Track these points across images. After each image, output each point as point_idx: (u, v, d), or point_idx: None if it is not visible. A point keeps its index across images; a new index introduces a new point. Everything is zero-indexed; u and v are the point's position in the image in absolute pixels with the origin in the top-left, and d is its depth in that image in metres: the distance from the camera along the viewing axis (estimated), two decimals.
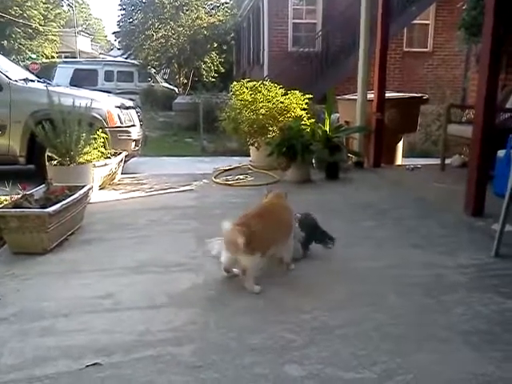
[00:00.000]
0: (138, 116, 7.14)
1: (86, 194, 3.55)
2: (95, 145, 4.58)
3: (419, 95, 6.47)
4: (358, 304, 2.37)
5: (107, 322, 2.21)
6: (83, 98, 5.33)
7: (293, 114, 5.65)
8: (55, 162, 4.34)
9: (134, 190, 4.76)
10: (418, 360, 1.91)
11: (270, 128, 5.57)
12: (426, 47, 13.60)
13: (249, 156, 6.10)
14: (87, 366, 1.87)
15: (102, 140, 4.72)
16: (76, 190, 3.44)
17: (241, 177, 5.26)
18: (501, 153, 4.28)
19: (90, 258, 3.02)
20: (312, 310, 2.29)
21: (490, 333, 2.11)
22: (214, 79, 20.62)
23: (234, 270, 2.64)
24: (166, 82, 20.37)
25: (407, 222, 3.72)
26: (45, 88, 5.56)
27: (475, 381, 1.78)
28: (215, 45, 20.71)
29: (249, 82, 5.90)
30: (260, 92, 5.74)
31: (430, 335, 2.10)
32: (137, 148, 6.77)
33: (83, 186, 3.55)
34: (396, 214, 3.93)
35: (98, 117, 5.90)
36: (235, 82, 6.01)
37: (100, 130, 4.77)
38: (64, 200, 3.18)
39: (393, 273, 2.75)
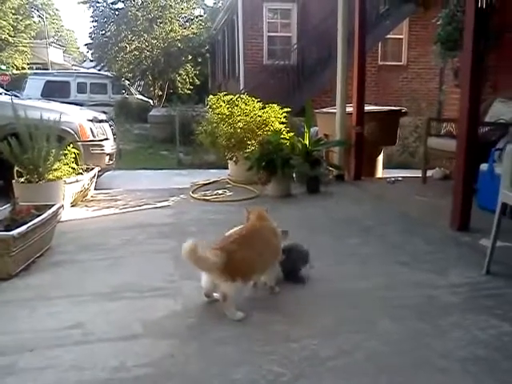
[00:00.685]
0: (112, 129, 6.92)
1: (56, 214, 3.32)
2: (66, 160, 4.35)
3: (398, 108, 6.44)
4: (349, 331, 2.22)
5: (76, 356, 2.00)
6: (52, 111, 5.11)
7: (271, 128, 5.53)
8: (22, 180, 4.09)
9: (107, 207, 4.54)
10: None
11: (249, 142, 5.44)
12: (401, 61, 13.73)
13: (227, 168, 5.95)
14: None
15: (73, 155, 4.49)
16: (44, 210, 3.22)
17: (219, 192, 5.10)
18: (484, 166, 4.23)
19: (58, 282, 2.80)
20: (300, 339, 2.13)
21: (489, 360, 1.98)
22: (189, 91, 20.47)
23: (215, 294, 2.47)
24: (141, 94, 20.12)
25: (392, 237, 3.61)
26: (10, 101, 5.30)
27: None
28: (190, 57, 20.59)
29: (226, 95, 5.77)
30: (237, 106, 5.61)
31: (427, 364, 1.96)
32: (111, 162, 6.53)
33: (52, 205, 3.33)
34: (380, 229, 3.81)
35: (69, 130, 5.66)
36: (212, 96, 5.87)
37: (71, 145, 4.53)
38: (31, 221, 2.96)
39: (382, 294, 2.61)
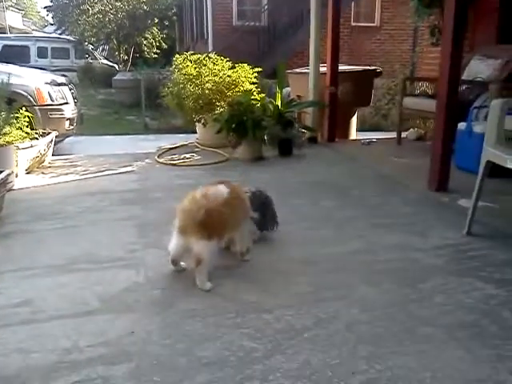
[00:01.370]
0: (72, 93, 6.53)
1: (5, 181, 3.03)
2: (18, 124, 3.99)
3: (373, 68, 6.22)
4: (326, 298, 2.04)
5: (23, 337, 1.77)
6: (7, 73, 4.71)
7: (241, 89, 5.24)
8: None
9: (65, 174, 4.22)
10: (402, 365, 1.61)
11: (218, 103, 5.15)
12: (374, 22, 13.44)
13: (195, 133, 5.66)
14: None
15: (27, 119, 4.13)
16: None
17: (187, 156, 4.83)
18: (462, 126, 4.09)
19: (8, 255, 2.53)
20: (274, 309, 1.95)
21: (477, 326, 1.84)
22: (156, 55, 19.74)
23: (182, 263, 2.26)
24: (106, 59, 19.30)
25: (369, 200, 3.45)
26: None
27: None
28: (156, 20, 19.77)
29: (193, 54, 5.42)
30: (205, 65, 5.29)
31: (411, 332, 1.80)
32: (71, 127, 6.18)
33: (0, 172, 3.02)
34: (356, 191, 3.65)
35: (23, 93, 5.29)
36: (178, 55, 5.51)
37: (24, 109, 4.17)
38: None
39: (361, 258, 2.45)
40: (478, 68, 4.91)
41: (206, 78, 5.18)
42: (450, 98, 3.42)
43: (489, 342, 1.74)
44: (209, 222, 2.06)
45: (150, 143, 6.54)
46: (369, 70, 6.14)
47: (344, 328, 1.82)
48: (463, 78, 4.97)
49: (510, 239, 2.66)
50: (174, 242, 2.21)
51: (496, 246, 2.56)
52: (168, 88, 5.41)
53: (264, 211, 2.59)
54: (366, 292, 2.10)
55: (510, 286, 2.12)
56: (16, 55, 15.28)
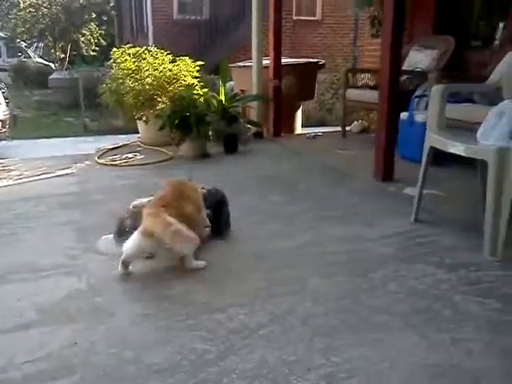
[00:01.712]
0: (3, 93, 6.18)
1: None
2: None
3: (315, 60, 6.25)
4: (280, 293, 1.99)
5: None
6: None
7: (183, 83, 5.10)
8: None
9: None
10: (359, 357, 1.58)
11: (159, 99, 4.97)
12: (315, 15, 13.58)
13: (138, 133, 5.47)
14: None
15: None
16: None
17: (129, 155, 4.65)
18: (403, 115, 4.16)
19: None
20: (226, 308, 1.87)
21: (430, 311, 1.85)
22: (94, 53, 19.09)
23: (131, 267, 2.16)
24: (41, 58, 18.46)
25: (317, 192, 3.44)
26: None
27: (429, 373, 1.49)
28: (94, 15, 19.09)
29: (131, 47, 5.22)
30: (145, 59, 5.11)
31: (366, 322, 1.78)
32: (4, 130, 5.86)
33: None
34: (303, 185, 3.63)
35: None
36: (115, 49, 5.30)
37: None
38: None
39: (311, 251, 2.42)
40: (417, 58, 5.03)
41: (146, 73, 5.00)
42: (392, 89, 3.47)
43: (443, 326, 1.74)
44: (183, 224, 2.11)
45: (90, 145, 6.25)
46: (311, 62, 6.16)
47: (299, 323, 1.78)
48: (403, 68, 5.09)
49: (456, 225, 2.71)
50: (133, 244, 2.12)
51: (443, 232, 2.60)
52: (106, 84, 5.18)
53: (219, 210, 2.55)
54: (318, 285, 2.07)
55: (460, 270, 2.15)
56: None
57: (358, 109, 5.51)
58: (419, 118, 3.93)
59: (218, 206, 2.55)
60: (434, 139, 2.56)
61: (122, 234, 2.35)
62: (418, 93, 4.22)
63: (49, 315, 1.86)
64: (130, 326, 1.78)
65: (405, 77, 4.77)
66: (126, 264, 2.16)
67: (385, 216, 2.88)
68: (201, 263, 2.22)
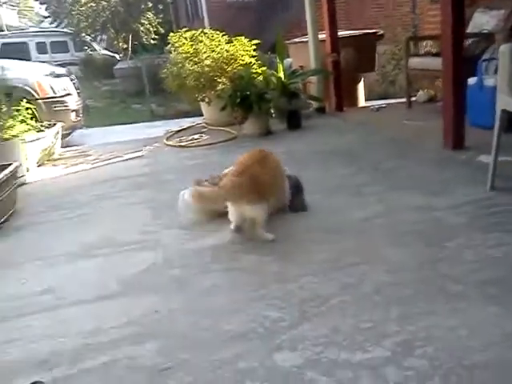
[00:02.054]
0: (74, 84, 6.47)
1: (14, 174, 3.00)
2: (20, 117, 3.95)
3: (373, 31, 6.07)
4: (351, 263, 1.99)
5: (48, 324, 1.77)
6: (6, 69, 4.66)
7: (241, 63, 5.12)
8: None
9: (76, 164, 4.21)
10: (436, 325, 1.55)
11: (219, 80, 5.03)
12: None
13: (202, 115, 5.59)
14: None
15: (29, 111, 4.09)
16: None
17: (195, 136, 4.77)
18: (472, 81, 3.96)
19: (26, 246, 2.54)
20: (298, 278, 1.90)
21: (508, 280, 1.77)
22: (154, 41, 19.48)
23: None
24: (105, 50, 19.13)
25: (384, 164, 3.36)
26: None
27: (509, 342, 1.45)
28: (150, 4, 19.45)
29: (187, 31, 5.29)
30: (201, 42, 5.17)
31: (442, 291, 1.74)
32: (78, 119, 6.15)
33: (8, 165, 2.99)
34: (370, 157, 3.56)
35: (25, 87, 5.23)
36: (172, 34, 5.40)
37: (24, 101, 4.12)
38: None
39: (382, 222, 2.38)
40: (482, 20, 4.74)
41: (204, 55, 5.07)
42: (456, 53, 3.30)
43: None
44: (255, 188, 2.19)
45: (158, 129, 6.45)
46: (369, 33, 5.98)
47: (372, 292, 1.77)
48: (468, 31, 4.82)
49: None
50: (231, 213, 2.32)
51: None
52: (167, 69, 5.30)
53: (295, 195, 2.62)
54: (391, 254, 2.04)
55: None
56: (15, 53, 15.15)
57: (421, 78, 5.29)
58: (489, 82, 3.72)
59: (294, 191, 2.61)
60: (506, 101, 2.42)
61: None
62: (485, 56, 3.99)
63: (130, 286, 1.98)
64: (205, 295, 1.86)
65: (470, 41, 4.53)
66: (238, 228, 2.35)
67: (457, 185, 2.77)
68: (270, 236, 2.26)
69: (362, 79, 6.06)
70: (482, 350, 1.41)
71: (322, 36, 5.40)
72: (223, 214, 2.38)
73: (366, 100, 6.20)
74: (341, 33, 5.48)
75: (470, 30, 4.87)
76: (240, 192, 2.20)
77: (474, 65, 3.99)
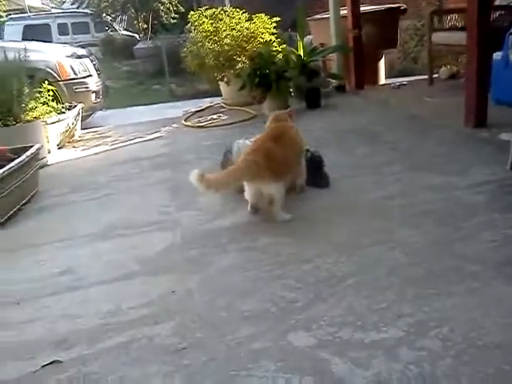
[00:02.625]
0: (94, 65, 6.49)
1: (35, 155, 3.06)
2: (42, 99, 4.00)
3: (396, 5, 5.89)
4: (366, 244, 1.99)
5: (67, 304, 1.81)
6: (30, 50, 4.69)
7: (261, 40, 5.07)
8: None
9: (96, 145, 4.26)
10: (450, 306, 1.55)
11: (239, 59, 5.01)
12: None
13: (221, 95, 5.57)
14: (43, 366, 1.48)
15: (51, 93, 4.14)
16: (22, 152, 2.94)
17: (214, 117, 4.77)
18: (497, 55, 3.83)
19: (47, 227, 2.58)
20: (313, 258, 1.91)
21: None
22: (174, 20, 19.35)
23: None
24: (126, 30, 19.09)
25: (403, 143, 3.32)
26: None
27: None
28: None
29: (207, 9, 5.25)
30: (221, 20, 5.12)
31: (458, 271, 1.73)
32: (98, 100, 6.18)
33: (30, 147, 3.05)
34: (390, 136, 3.52)
35: (46, 69, 5.28)
36: (193, 12, 5.36)
37: (46, 83, 4.16)
38: (7, 165, 2.69)
39: (399, 202, 2.36)
40: None
41: (224, 33, 5.03)
42: (482, 26, 3.20)
43: None
44: (271, 166, 2.17)
45: (178, 110, 6.44)
46: (392, 8, 5.80)
47: (387, 272, 1.77)
48: (496, 3, 4.67)
49: None
50: (247, 192, 2.33)
51: None
52: (187, 48, 5.29)
53: (317, 170, 2.66)
54: (407, 235, 2.03)
55: None
56: (38, 34, 15.27)
57: (445, 53, 5.15)
58: None
59: (315, 166, 2.64)
60: None
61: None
62: None
63: (148, 266, 2.01)
64: (221, 275, 1.88)
65: (497, 13, 4.38)
66: (254, 208, 2.39)
67: (477, 164, 2.72)
68: (287, 216, 2.26)
69: (384, 56, 5.93)
70: (496, 331, 1.40)
71: (343, 12, 5.30)
72: (243, 190, 2.39)
73: (386, 77, 6.08)
74: (363, 8, 5.36)
75: (497, 2, 4.72)
76: (255, 170, 2.18)
77: (500, 39, 3.85)
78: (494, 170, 2.59)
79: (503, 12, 4.45)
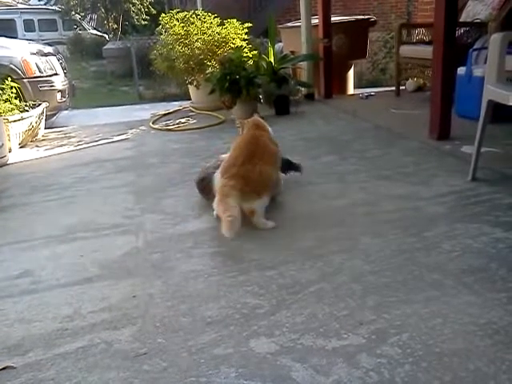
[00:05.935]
0: (61, 63, 6.36)
1: None
2: (4, 96, 3.88)
3: (366, 17, 6.02)
4: (330, 251, 2.00)
5: (24, 308, 1.74)
6: None
7: (232, 46, 5.08)
8: None
9: (60, 145, 4.16)
10: (411, 314, 1.57)
11: (209, 63, 4.99)
12: None
13: (190, 99, 5.54)
14: None
15: (14, 90, 4.02)
16: None
17: (182, 120, 4.73)
18: (461, 70, 3.95)
19: (5, 228, 2.50)
20: (277, 265, 1.91)
21: (486, 270, 1.79)
22: (145, 22, 19.17)
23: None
24: (95, 29, 18.81)
25: (369, 152, 3.37)
26: None
27: (482, 332, 1.46)
28: None
29: (179, 12, 5.22)
30: (193, 23, 5.10)
31: (418, 280, 1.76)
32: (63, 99, 6.04)
33: None
34: (356, 145, 3.57)
35: (10, 66, 5.13)
36: (164, 14, 5.32)
37: (9, 79, 4.05)
38: None
39: (363, 210, 2.39)
40: (476, 9, 4.74)
41: (195, 37, 5.01)
42: (447, 42, 3.29)
43: (498, 286, 1.69)
44: (252, 186, 2.17)
45: (145, 112, 6.37)
46: (362, 19, 5.93)
47: (350, 280, 1.78)
48: (461, 20, 4.82)
49: None
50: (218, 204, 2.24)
51: (502, 191, 2.49)
52: (157, 50, 5.24)
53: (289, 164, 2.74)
54: (370, 243, 2.05)
55: None
56: (2, 29, 14.88)
57: (412, 66, 5.28)
58: (478, 72, 3.72)
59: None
60: (493, 92, 2.43)
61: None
62: (476, 45, 3.99)
63: (109, 270, 1.97)
64: (184, 281, 1.85)
65: (462, 30, 4.52)
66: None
67: (440, 175, 2.79)
68: (270, 223, 2.25)
69: (353, 66, 6.03)
70: (453, 338, 1.42)
71: (314, 21, 5.36)
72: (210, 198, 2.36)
73: (355, 87, 6.18)
74: (334, 18, 5.44)
75: (462, 19, 4.88)
76: (237, 196, 2.13)
77: (464, 54, 3.98)
78: (455, 181, 2.66)
79: (468, 28, 4.59)
